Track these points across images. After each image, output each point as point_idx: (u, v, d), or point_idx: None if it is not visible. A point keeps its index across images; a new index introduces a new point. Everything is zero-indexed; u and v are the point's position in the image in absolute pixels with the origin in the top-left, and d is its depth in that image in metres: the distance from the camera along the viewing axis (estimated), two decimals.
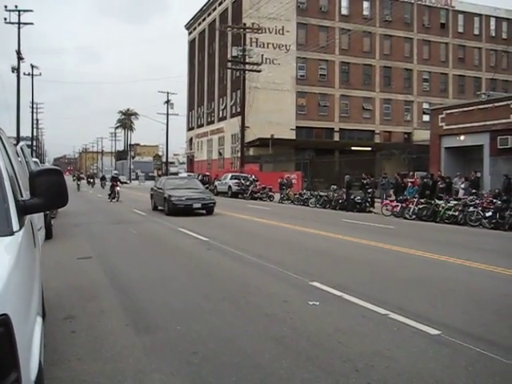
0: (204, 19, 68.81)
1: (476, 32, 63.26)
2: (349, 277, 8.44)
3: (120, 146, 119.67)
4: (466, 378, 4.21)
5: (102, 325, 5.62)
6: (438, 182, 24.17)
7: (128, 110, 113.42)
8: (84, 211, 22.13)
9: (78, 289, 7.34)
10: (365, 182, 26.91)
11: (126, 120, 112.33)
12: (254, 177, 38.51)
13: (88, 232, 14.67)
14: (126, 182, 79.73)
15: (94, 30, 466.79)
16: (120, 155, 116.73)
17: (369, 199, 25.75)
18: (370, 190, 26.39)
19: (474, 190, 22.94)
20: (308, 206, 28.79)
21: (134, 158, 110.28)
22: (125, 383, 4.10)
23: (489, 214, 18.42)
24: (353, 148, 47.49)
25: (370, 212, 24.60)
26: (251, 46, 49.44)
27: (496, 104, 26.38)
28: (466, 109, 28.43)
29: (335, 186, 28.99)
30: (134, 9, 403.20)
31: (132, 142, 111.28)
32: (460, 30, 62.50)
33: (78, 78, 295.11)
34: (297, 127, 54.47)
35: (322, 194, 28.89)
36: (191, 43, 75.50)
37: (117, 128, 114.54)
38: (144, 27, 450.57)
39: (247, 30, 46.07)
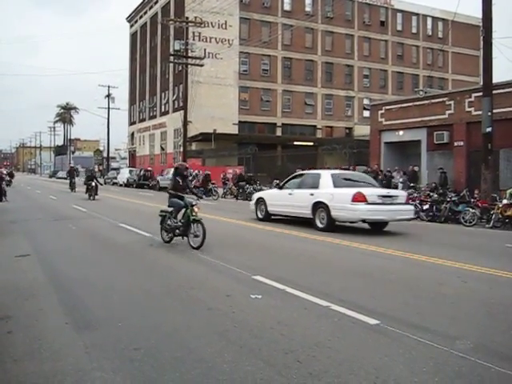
0: (146, 12, 67.73)
1: (414, 30, 64.99)
2: (291, 270, 8.53)
3: (59, 141, 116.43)
4: (403, 365, 4.35)
5: (40, 324, 5.46)
6: (379, 176, 24.75)
7: (67, 104, 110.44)
8: (21, 207, 21.44)
9: (15, 288, 7.09)
10: None
11: (66, 114, 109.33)
12: (198, 171, 38.33)
13: (26, 229, 14.20)
14: (65, 178, 77.75)
15: (29, 21, 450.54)
16: (59, 150, 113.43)
17: None
18: None
19: (412, 184, 23.65)
20: (251, 200, 28.88)
21: (74, 153, 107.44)
22: (64, 383, 4.01)
23: (426, 206, 19.06)
24: (295, 143, 48.02)
25: None
26: (194, 40, 48.98)
27: (432, 100, 27.20)
28: (404, 105, 29.18)
29: (277, 181, 29.22)
30: (70, 0, 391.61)
31: (72, 137, 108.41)
32: (399, 28, 64.04)
33: (14, 70, 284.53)
34: (239, 122, 54.50)
35: (264, 188, 29.06)
36: (133, 36, 74.18)
37: (56, 122, 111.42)
38: (83, 19, 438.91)
39: (190, 24, 45.56)
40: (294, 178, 16.77)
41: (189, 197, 11.33)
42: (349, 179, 15.27)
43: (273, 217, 16.84)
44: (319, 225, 14.37)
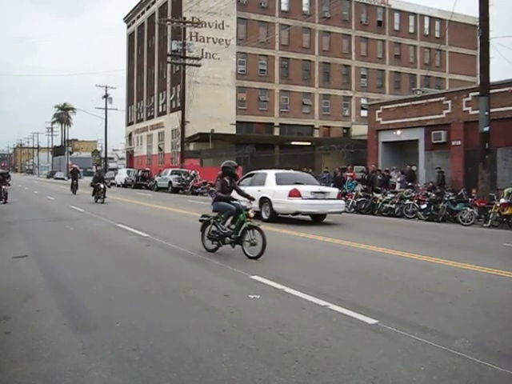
0: (143, 12, 67.67)
1: (411, 30, 65.03)
2: (289, 270, 8.53)
3: (57, 142, 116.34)
4: (401, 364, 4.36)
5: (38, 325, 5.45)
6: (378, 176, 24.79)
7: (65, 104, 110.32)
8: (19, 208, 21.41)
9: (13, 288, 7.09)
10: None
11: (63, 115, 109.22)
12: (194, 172, 38.31)
13: (23, 230, 14.18)
14: (63, 178, 78.06)
15: (27, 22, 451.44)
16: (57, 151, 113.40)
17: None
18: None
19: (409, 183, 23.68)
20: None
21: (71, 153, 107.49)
22: None
23: (424, 206, 19.08)
24: (293, 143, 48.02)
25: None
26: (191, 40, 48.98)
27: (430, 100, 27.24)
28: (401, 104, 29.21)
29: None
30: (68, 0, 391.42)
31: (70, 138, 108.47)
32: (396, 27, 64.08)
33: (12, 71, 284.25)
34: (237, 122, 54.47)
35: None
36: (130, 36, 74.08)
37: (53, 123, 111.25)
38: (80, 20, 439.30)
39: (187, 24, 45.63)
40: (247, 176, 18.50)
41: (240, 200, 10.22)
42: (290, 178, 17.22)
43: None
44: (264, 216, 16.34)
